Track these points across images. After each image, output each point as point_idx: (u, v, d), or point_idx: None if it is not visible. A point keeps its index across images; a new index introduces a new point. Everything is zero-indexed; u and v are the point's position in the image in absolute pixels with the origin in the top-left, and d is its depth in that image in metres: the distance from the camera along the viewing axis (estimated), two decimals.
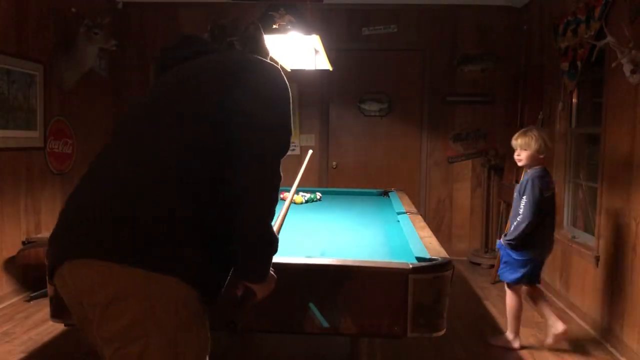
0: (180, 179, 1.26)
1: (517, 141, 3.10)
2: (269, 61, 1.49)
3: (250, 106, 1.33)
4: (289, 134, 1.40)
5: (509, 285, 3.16)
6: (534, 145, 3.02)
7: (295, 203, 3.42)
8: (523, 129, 3.18)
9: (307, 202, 3.47)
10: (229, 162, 1.30)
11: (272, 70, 1.43)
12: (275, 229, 1.46)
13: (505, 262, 3.14)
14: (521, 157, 3.09)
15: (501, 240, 3.17)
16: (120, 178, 1.28)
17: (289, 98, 1.42)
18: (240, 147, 1.30)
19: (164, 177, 1.26)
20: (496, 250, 3.31)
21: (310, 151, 2.39)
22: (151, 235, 1.22)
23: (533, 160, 3.07)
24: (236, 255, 1.34)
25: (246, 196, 1.29)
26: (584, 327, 3.55)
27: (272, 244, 1.38)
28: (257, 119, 1.33)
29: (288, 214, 3.06)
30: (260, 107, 1.34)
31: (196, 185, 1.27)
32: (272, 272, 1.45)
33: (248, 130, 1.31)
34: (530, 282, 3.13)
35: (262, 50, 1.59)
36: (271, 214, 1.36)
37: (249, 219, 1.30)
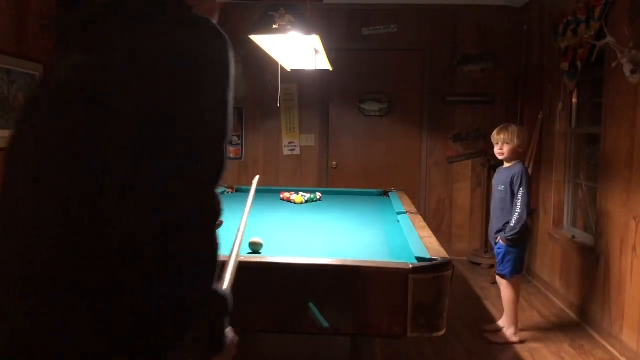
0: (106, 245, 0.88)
1: (499, 136, 3.25)
2: (207, 24, 0.99)
3: (188, 110, 0.92)
4: (227, 141, 0.99)
5: (511, 278, 3.23)
6: (516, 140, 3.20)
7: (295, 203, 3.42)
8: (503, 125, 3.31)
9: (307, 202, 3.47)
10: (162, 197, 0.90)
11: (213, 44, 0.97)
12: (227, 281, 1.14)
13: (509, 260, 3.21)
14: (504, 150, 3.24)
15: (499, 239, 3.21)
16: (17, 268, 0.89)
17: (232, 76, 0.99)
18: (177, 170, 0.91)
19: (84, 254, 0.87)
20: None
21: (257, 177, 2.16)
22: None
23: (514, 154, 3.24)
24: (175, 327, 0.96)
25: (178, 243, 0.91)
26: (584, 326, 3.56)
27: (222, 302, 0.99)
28: (197, 126, 0.93)
29: (288, 214, 3.07)
30: (199, 109, 0.94)
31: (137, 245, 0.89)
32: (230, 335, 1.04)
33: (185, 145, 0.92)
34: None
35: None
36: (215, 264, 0.96)
37: (186, 278, 0.93)
